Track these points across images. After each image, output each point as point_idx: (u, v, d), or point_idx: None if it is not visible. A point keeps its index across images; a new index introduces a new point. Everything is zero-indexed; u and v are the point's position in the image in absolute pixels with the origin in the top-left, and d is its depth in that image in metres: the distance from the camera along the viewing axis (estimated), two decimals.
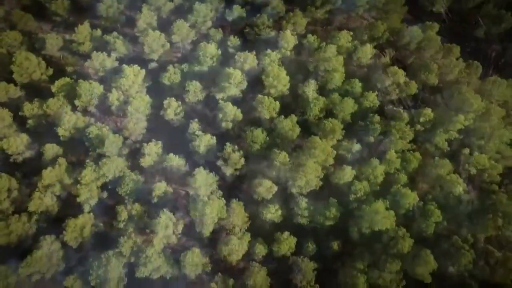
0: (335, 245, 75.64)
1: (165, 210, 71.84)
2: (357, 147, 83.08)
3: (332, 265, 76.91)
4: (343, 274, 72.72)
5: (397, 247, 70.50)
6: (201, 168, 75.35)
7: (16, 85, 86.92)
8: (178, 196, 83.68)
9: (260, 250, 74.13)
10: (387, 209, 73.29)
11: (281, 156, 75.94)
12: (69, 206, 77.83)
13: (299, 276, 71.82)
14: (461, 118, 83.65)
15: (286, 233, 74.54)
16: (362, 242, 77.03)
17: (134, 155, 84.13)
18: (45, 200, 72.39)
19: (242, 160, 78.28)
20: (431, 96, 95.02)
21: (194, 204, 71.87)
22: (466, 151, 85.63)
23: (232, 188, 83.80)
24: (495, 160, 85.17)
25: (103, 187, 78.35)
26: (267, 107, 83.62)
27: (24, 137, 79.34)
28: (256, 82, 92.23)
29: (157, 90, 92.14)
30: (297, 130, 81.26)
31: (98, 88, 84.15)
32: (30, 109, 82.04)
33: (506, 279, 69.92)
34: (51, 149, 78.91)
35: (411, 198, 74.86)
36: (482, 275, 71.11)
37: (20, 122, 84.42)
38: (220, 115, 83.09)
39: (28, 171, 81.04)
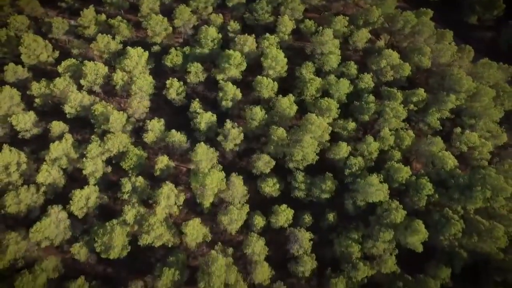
0: (330, 217, 78.53)
1: (167, 182, 74.91)
2: (352, 125, 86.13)
3: (327, 237, 79.79)
4: (339, 244, 75.57)
5: (390, 218, 73.37)
6: (202, 143, 78.33)
7: (23, 66, 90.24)
8: (179, 172, 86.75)
9: (259, 221, 77.06)
10: (381, 182, 76.15)
11: (279, 132, 78.98)
12: (75, 180, 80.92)
13: (296, 245, 74.65)
14: (453, 98, 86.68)
15: (284, 206, 77.42)
16: (357, 215, 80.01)
17: (137, 132, 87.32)
18: (52, 173, 75.37)
19: (242, 136, 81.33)
20: (424, 78, 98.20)
21: (195, 176, 74.86)
22: (458, 129, 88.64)
23: (232, 165, 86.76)
24: (486, 138, 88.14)
25: (108, 161, 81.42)
26: (266, 87, 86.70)
27: (32, 115, 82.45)
28: (255, 66, 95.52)
29: (159, 72, 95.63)
30: (295, 108, 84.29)
31: (103, 69, 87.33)
32: (37, 88, 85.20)
33: (492, 248, 72.73)
34: (57, 126, 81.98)
35: (404, 172, 77.79)
36: (471, 244, 73.88)
37: (27, 102, 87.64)
38: (221, 94, 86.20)
39: (35, 148, 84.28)
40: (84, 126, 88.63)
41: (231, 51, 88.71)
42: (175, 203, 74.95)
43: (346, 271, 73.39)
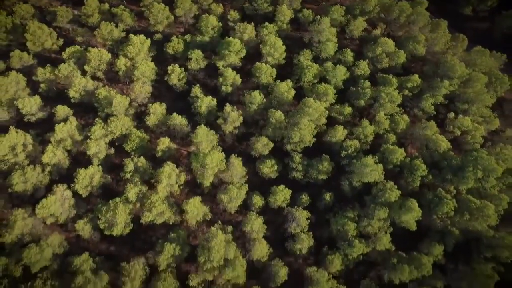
0: (327, 197, 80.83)
1: (168, 162, 77.36)
2: (348, 110, 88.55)
3: (324, 217, 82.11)
4: (335, 223, 77.85)
5: (385, 197, 75.75)
6: (202, 125, 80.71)
7: (29, 53, 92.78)
8: (180, 155, 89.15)
9: (257, 201, 79.41)
10: (376, 163, 78.53)
11: (277, 114, 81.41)
12: (79, 162, 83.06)
13: (294, 224, 76.99)
14: (446, 84, 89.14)
15: (282, 186, 79.77)
16: (353, 195, 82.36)
17: (139, 117, 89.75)
18: (57, 154, 77.75)
19: (241, 119, 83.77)
20: (419, 66, 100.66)
21: (195, 157, 77.23)
22: (451, 114, 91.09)
23: (231, 148, 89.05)
24: (478, 123, 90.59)
25: (110, 144, 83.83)
26: (265, 73, 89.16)
27: (37, 99, 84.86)
28: (254, 55, 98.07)
29: (161, 59, 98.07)
30: (292, 92, 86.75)
31: (106, 55, 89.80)
32: (42, 73, 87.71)
33: (483, 225, 75.07)
34: (62, 110, 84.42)
35: (398, 154, 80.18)
36: (463, 223, 76.21)
37: (33, 88, 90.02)
38: (221, 79, 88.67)
39: (40, 132, 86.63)
40: (88, 111, 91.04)
41: (230, 38, 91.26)
42: (176, 182, 77.28)
43: (342, 249, 75.67)
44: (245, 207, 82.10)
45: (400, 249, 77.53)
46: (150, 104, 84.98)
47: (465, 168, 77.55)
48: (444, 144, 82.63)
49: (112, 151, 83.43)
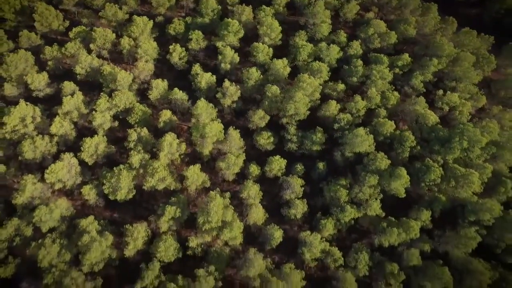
0: (320, 166, 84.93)
1: (169, 132, 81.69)
2: (341, 86, 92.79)
3: (318, 187, 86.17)
4: (328, 190, 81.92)
5: (376, 165, 79.89)
6: (202, 99, 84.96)
7: (36, 34, 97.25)
8: (181, 130, 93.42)
9: (254, 169, 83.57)
10: (366, 134, 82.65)
11: (273, 88, 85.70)
12: (85, 135, 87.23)
13: (289, 191, 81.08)
14: (435, 62, 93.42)
15: (277, 156, 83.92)
16: (345, 166, 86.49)
17: (142, 94, 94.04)
18: (64, 125, 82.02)
19: (239, 93, 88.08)
20: (410, 49, 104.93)
21: (195, 127, 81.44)
22: (440, 91, 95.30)
23: (230, 123, 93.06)
24: (466, 99, 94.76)
25: (115, 118, 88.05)
26: (262, 51, 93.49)
27: (45, 75, 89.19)
28: (252, 38, 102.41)
29: (163, 41, 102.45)
30: (288, 69, 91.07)
31: (111, 34, 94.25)
32: (50, 51, 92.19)
33: (468, 192, 79.12)
34: (69, 86, 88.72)
35: (388, 125, 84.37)
36: (449, 190, 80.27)
37: (40, 67, 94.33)
38: (220, 57, 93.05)
39: (48, 107, 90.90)
40: (93, 89, 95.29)
41: (229, 19, 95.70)
42: (177, 151, 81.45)
43: (334, 214, 79.73)
44: (243, 176, 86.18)
45: (390, 216, 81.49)
46: (153, 80, 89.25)
47: (452, 139, 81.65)
48: (432, 118, 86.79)
49: (116, 123, 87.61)
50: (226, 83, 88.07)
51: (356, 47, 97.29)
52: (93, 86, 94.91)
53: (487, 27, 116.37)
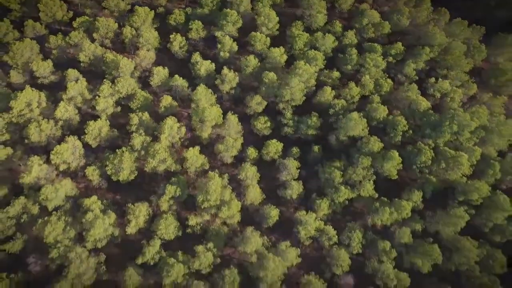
0: (315, 149, 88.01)
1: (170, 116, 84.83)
2: (336, 74, 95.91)
3: (313, 169, 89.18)
4: (322, 172, 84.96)
5: (369, 147, 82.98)
6: (202, 84, 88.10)
7: (41, 24, 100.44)
8: (181, 116, 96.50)
9: (252, 152, 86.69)
10: (360, 118, 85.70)
11: (270, 75, 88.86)
12: (88, 120, 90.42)
13: (285, 172, 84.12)
14: (427, 50, 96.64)
15: (274, 140, 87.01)
16: (339, 149, 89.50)
17: (143, 82, 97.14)
18: (69, 109, 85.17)
19: (237, 79, 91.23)
20: (404, 39, 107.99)
21: (195, 111, 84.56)
22: (432, 79, 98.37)
23: (228, 109, 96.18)
24: (457, 87, 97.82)
25: (117, 103, 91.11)
26: (259, 40, 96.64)
27: (50, 63, 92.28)
28: (250, 29, 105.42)
29: (163, 31, 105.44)
30: (285, 57, 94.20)
31: (114, 24, 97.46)
32: (54, 40, 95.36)
33: (458, 174, 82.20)
34: (72, 73, 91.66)
35: (381, 110, 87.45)
36: (440, 172, 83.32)
37: (45, 55, 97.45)
38: (219, 46, 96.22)
39: (53, 94, 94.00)
40: (96, 78, 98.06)
41: (228, 10, 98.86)
42: (177, 134, 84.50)
43: (329, 195, 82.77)
44: (241, 161, 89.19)
45: (383, 197, 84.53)
46: (154, 67, 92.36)
47: (442, 123, 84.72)
48: (424, 103, 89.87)
49: (119, 109, 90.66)
50: (225, 70, 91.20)
51: (351, 37, 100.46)
52: (96, 75, 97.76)
53: (479, 18, 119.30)
